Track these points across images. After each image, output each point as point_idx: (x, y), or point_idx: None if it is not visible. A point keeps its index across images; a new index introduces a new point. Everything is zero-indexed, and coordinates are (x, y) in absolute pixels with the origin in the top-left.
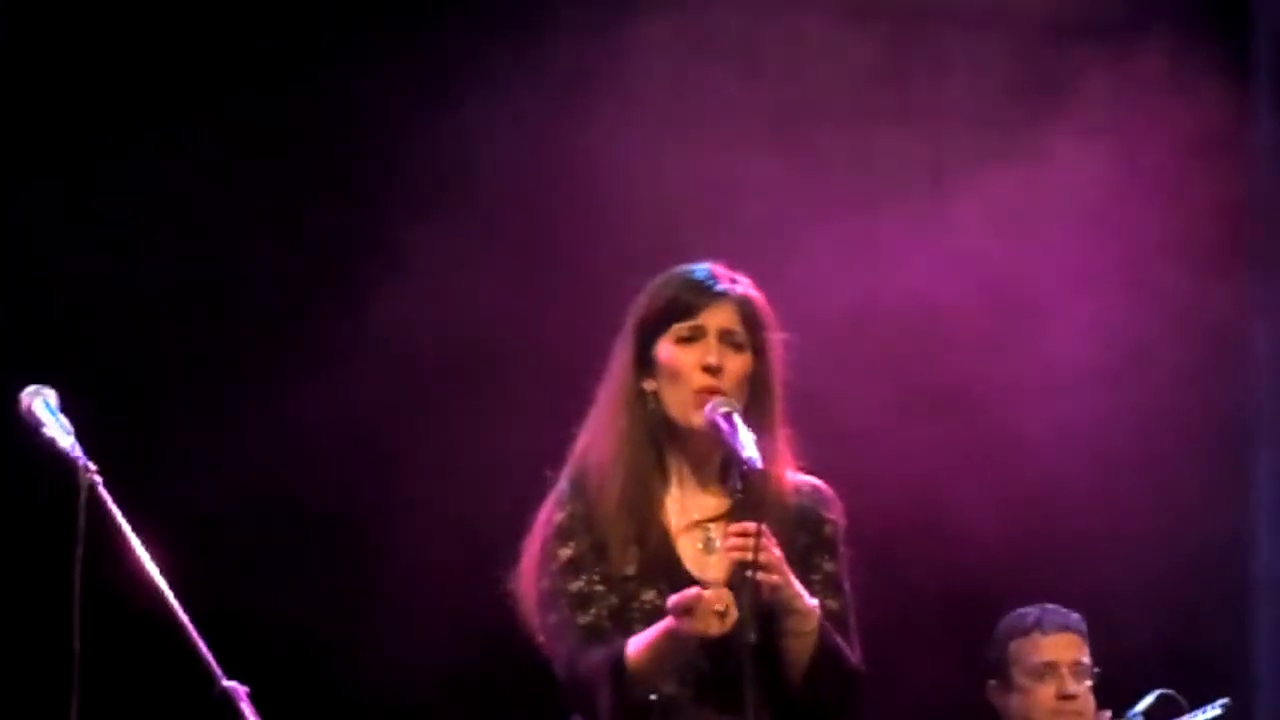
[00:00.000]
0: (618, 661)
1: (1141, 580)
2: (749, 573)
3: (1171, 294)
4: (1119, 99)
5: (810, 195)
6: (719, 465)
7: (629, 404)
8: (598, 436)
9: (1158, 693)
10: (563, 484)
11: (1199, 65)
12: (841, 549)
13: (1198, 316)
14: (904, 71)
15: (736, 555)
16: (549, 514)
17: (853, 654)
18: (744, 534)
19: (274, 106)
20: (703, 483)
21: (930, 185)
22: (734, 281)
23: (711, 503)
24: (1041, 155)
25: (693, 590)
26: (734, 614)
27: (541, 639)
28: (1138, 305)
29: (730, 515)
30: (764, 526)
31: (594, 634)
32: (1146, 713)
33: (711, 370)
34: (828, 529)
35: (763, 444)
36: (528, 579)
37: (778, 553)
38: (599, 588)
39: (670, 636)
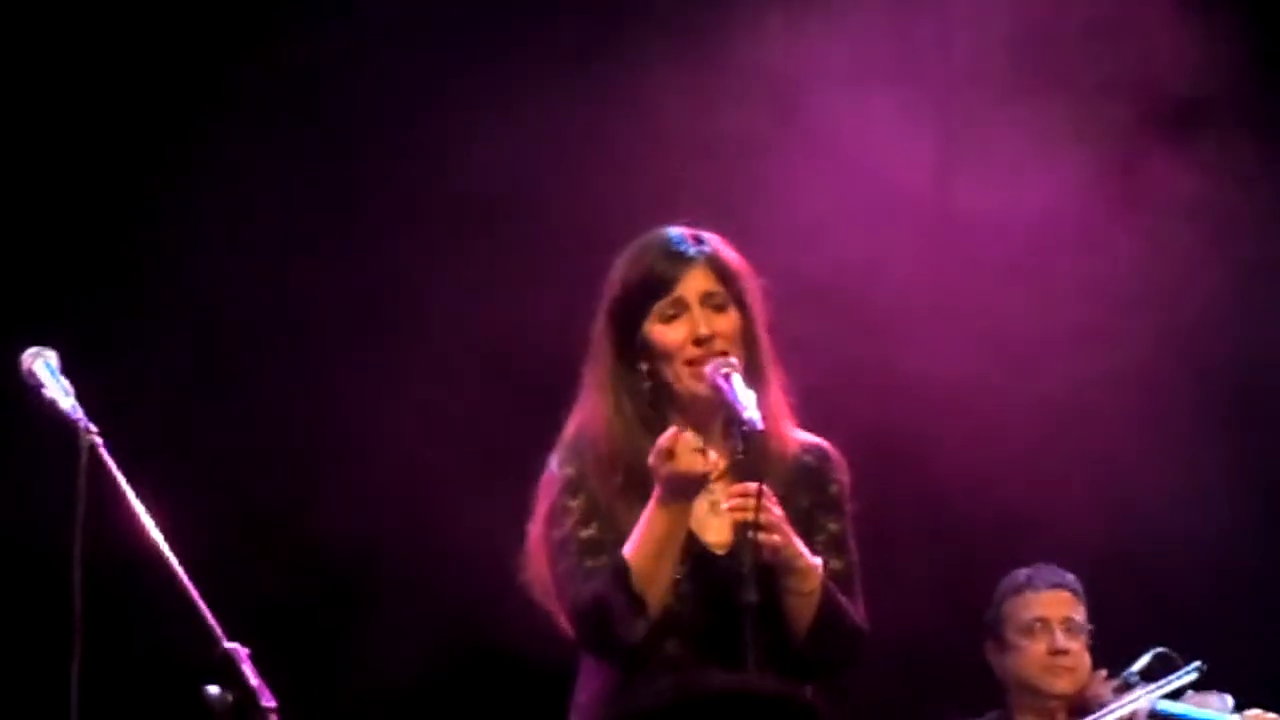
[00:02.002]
0: (619, 566)
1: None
2: (750, 533)
3: (1180, 247)
4: (1123, 54)
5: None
6: (721, 426)
7: (617, 389)
8: (591, 422)
9: (1154, 651)
10: (562, 450)
11: (1204, 16)
12: (847, 509)
13: (1205, 270)
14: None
15: (738, 516)
16: (555, 470)
17: (856, 613)
18: (745, 494)
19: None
20: (708, 445)
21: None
22: (700, 242)
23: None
24: (1046, 113)
25: (669, 431)
26: (712, 454)
27: (554, 594)
28: (1142, 259)
29: (730, 475)
30: (764, 486)
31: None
32: (1143, 672)
33: (703, 341)
34: (833, 489)
35: (760, 400)
36: (537, 539)
37: (779, 512)
38: (609, 536)
39: (660, 511)
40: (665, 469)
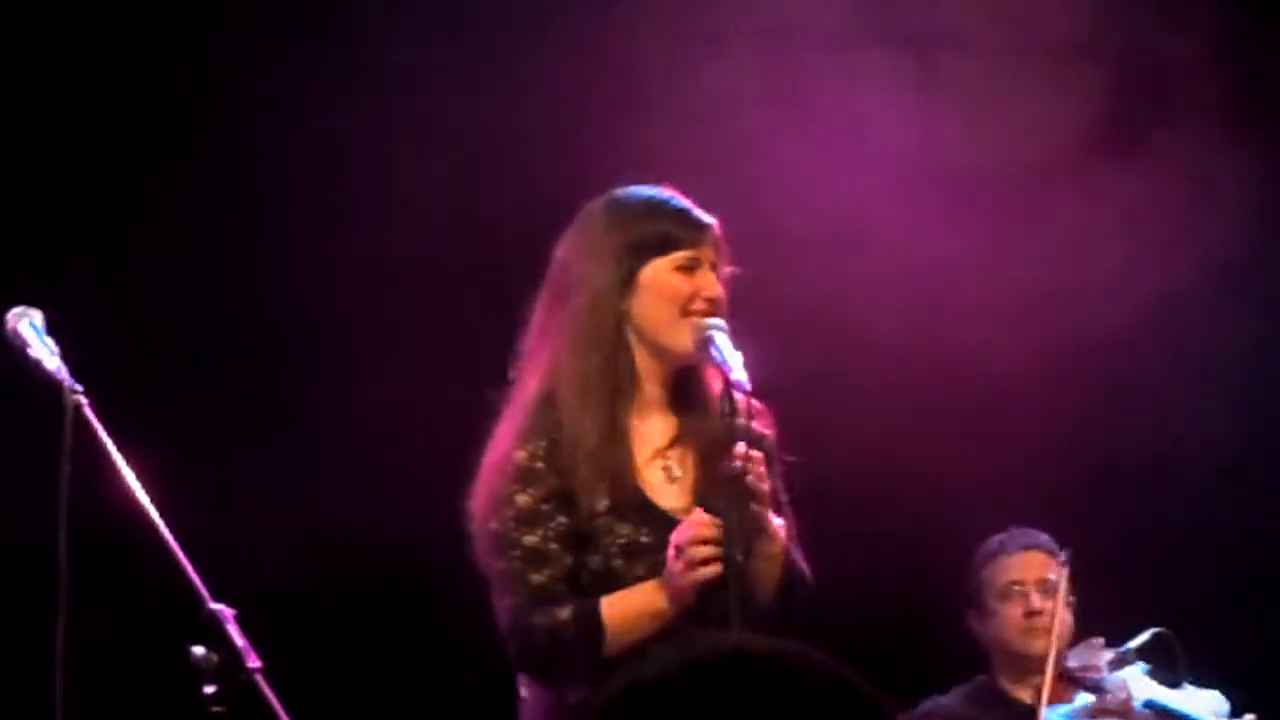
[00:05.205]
0: (594, 625)
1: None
2: (739, 496)
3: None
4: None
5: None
6: (673, 389)
7: (608, 333)
8: (569, 369)
9: (1153, 630)
10: (525, 418)
11: None
12: (777, 462)
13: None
14: None
15: (754, 484)
16: (507, 450)
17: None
18: (744, 458)
19: None
20: (659, 409)
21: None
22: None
23: (662, 428)
24: (1029, 73)
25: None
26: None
27: (492, 582)
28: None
29: (688, 439)
30: (757, 453)
31: (545, 597)
32: (1139, 650)
33: (711, 301)
34: (765, 443)
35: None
36: (481, 512)
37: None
38: (553, 546)
39: (653, 617)
40: (682, 578)
